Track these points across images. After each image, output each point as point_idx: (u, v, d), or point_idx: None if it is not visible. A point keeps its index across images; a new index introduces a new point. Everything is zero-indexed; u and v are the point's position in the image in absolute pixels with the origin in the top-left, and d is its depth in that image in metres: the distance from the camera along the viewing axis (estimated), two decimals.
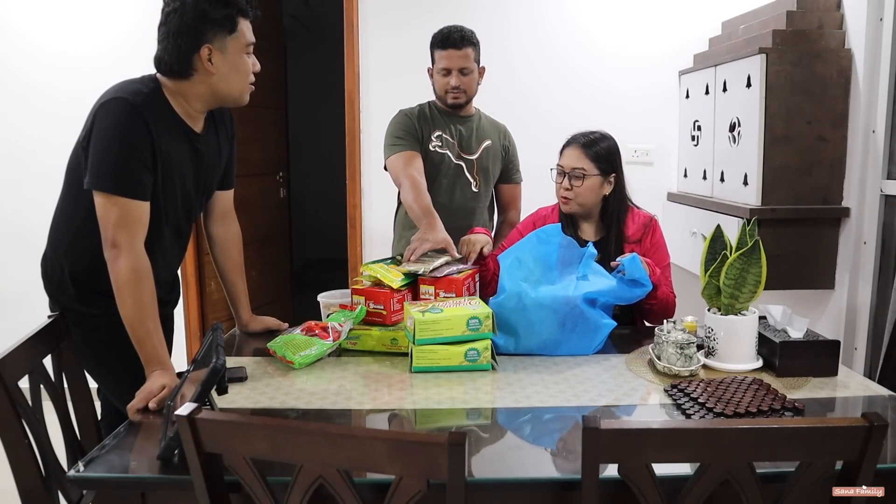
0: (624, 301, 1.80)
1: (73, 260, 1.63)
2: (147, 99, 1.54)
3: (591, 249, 1.83)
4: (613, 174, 2.02)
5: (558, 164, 2.03)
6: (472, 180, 2.36)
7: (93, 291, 1.61)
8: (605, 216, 2.05)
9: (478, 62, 2.30)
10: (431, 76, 2.34)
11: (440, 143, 2.32)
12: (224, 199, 1.88)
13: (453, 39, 2.23)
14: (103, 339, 1.63)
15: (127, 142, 1.50)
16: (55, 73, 3.25)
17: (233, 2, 1.56)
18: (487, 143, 2.38)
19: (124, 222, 1.50)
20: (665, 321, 1.65)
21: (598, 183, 2.00)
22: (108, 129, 1.50)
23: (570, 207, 2.02)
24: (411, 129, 2.30)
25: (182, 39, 1.54)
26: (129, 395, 1.42)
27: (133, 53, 3.19)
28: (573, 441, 1.25)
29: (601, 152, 2.00)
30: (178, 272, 1.85)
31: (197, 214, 1.81)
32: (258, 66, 1.66)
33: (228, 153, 1.82)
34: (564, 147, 2.05)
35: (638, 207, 2.10)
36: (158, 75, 1.61)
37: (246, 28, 1.60)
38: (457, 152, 2.34)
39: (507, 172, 2.47)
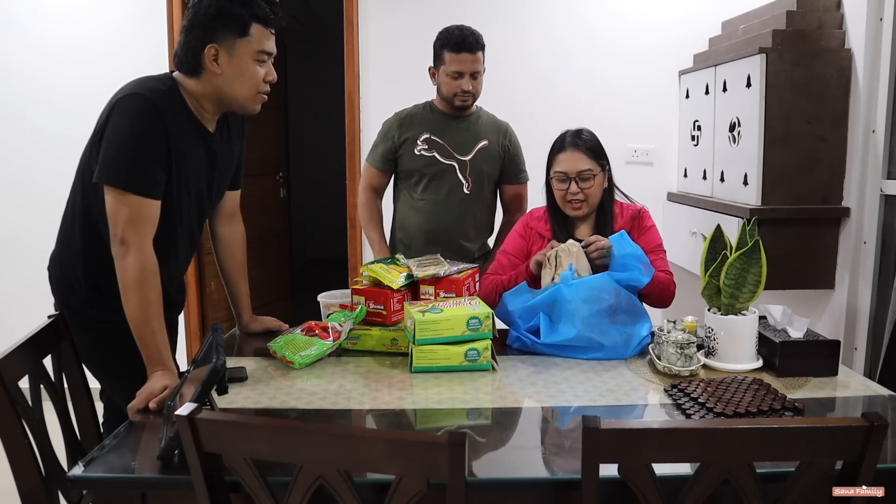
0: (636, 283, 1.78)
1: (88, 259, 1.62)
2: (164, 96, 1.53)
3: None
4: (608, 165, 2.02)
5: (558, 172, 1.96)
6: (463, 182, 2.34)
7: (106, 293, 1.58)
8: (600, 211, 2.02)
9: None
10: (433, 76, 2.33)
11: (427, 146, 2.31)
12: (231, 199, 1.88)
13: (468, 43, 2.21)
14: (109, 343, 1.62)
15: (143, 139, 1.49)
16: (53, 64, 3.24)
17: (250, 4, 1.54)
18: (483, 143, 2.35)
19: (134, 220, 1.49)
20: (665, 321, 1.65)
21: (602, 178, 1.99)
22: (125, 125, 1.49)
23: (583, 211, 1.98)
24: (388, 144, 2.36)
25: (192, 34, 1.55)
26: (132, 397, 1.41)
27: (130, 44, 3.20)
28: (573, 441, 1.25)
29: (597, 148, 1.99)
30: None
31: (208, 215, 1.81)
32: (273, 77, 1.62)
33: (239, 154, 1.82)
34: (559, 152, 1.99)
35: (630, 201, 2.09)
36: (175, 74, 1.61)
37: (262, 35, 1.57)
38: (447, 153, 2.33)
39: (510, 172, 2.43)
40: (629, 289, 1.75)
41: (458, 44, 2.22)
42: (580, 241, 1.87)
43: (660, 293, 1.91)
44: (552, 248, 1.87)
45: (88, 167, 1.56)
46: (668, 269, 1.98)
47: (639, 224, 2.02)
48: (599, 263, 1.85)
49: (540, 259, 1.89)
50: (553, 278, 1.83)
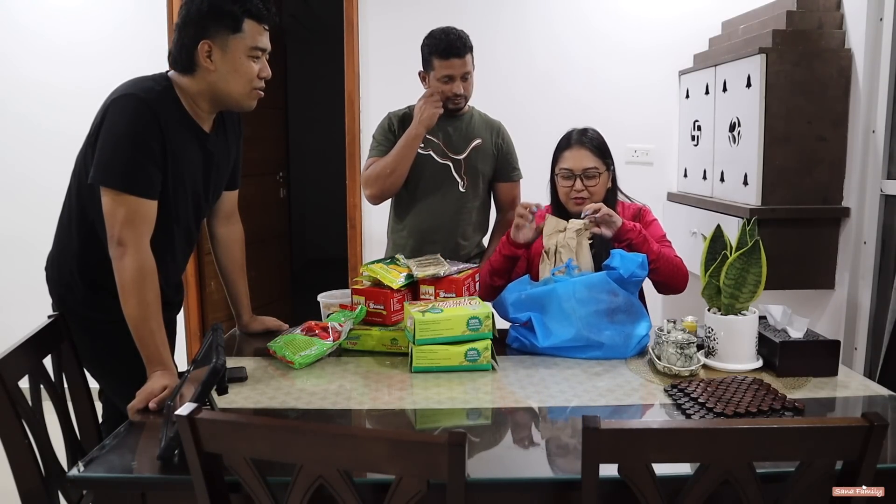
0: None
1: (85, 260, 1.62)
2: (159, 97, 1.53)
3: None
4: (612, 165, 2.03)
5: (564, 168, 1.99)
6: (458, 180, 2.34)
7: (104, 292, 1.59)
8: None
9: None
10: (424, 80, 2.32)
11: (422, 145, 2.31)
12: (229, 199, 1.88)
13: (456, 48, 2.20)
14: (108, 344, 1.62)
15: (138, 139, 1.49)
16: (53, 64, 3.24)
17: (242, 0, 1.54)
18: (477, 142, 2.36)
19: (131, 221, 1.49)
20: (665, 321, 1.65)
21: (607, 178, 2.01)
22: (119, 126, 1.49)
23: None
24: (389, 136, 2.34)
25: (185, 32, 1.55)
26: (131, 397, 1.41)
27: (130, 44, 3.20)
28: (573, 441, 1.25)
29: (602, 147, 2.01)
30: None
31: (205, 215, 1.81)
32: (267, 73, 1.62)
33: (236, 154, 1.82)
34: (565, 149, 2.01)
35: (630, 199, 2.11)
36: (170, 73, 1.61)
37: (255, 31, 1.57)
38: (442, 152, 2.33)
39: (504, 171, 2.43)
40: (632, 284, 1.75)
41: (446, 50, 2.21)
42: (581, 225, 1.88)
43: (671, 272, 1.92)
44: (552, 229, 1.89)
45: (84, 168, 1.56)
46: (677, 254, 1.99)
47: (641, 221, 2.04)
48: (598, 233, 1.88)
49: (519, 222, 1.93)
50: (552, 272, 1.83)
